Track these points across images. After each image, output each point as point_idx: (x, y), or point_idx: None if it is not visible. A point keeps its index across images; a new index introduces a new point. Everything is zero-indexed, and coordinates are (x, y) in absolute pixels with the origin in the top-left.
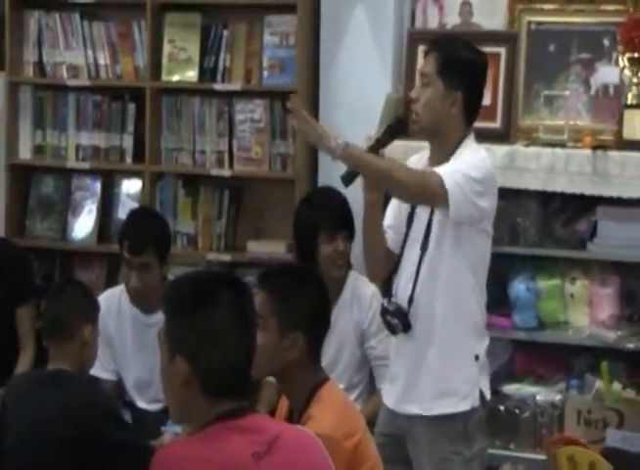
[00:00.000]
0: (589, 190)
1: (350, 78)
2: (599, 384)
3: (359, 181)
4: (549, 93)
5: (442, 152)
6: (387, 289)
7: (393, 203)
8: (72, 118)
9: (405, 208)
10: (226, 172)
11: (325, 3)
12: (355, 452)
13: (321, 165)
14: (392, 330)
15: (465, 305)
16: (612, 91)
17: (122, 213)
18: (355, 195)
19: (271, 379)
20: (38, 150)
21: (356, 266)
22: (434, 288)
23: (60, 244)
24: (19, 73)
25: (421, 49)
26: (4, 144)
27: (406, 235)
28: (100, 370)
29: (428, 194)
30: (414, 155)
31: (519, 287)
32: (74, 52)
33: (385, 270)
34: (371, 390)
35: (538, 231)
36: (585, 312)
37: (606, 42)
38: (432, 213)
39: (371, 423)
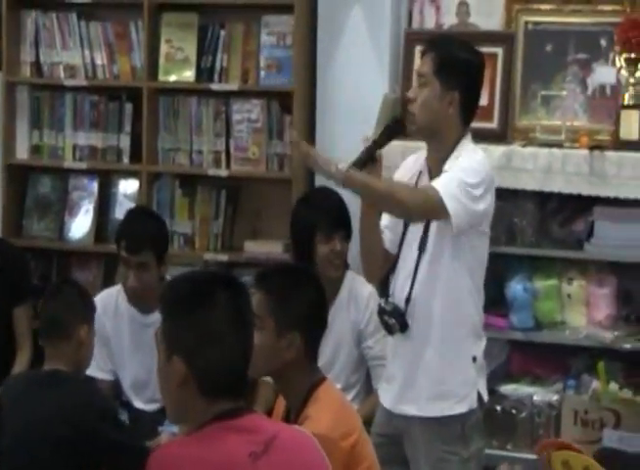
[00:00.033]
0: (586, 190)
1: (347, 79)
2: (596, 384)
3: None
4: (546, 93)
5: (440, 152)
6: (384, 289)
7: None
8: (69, 118)
9: None
10: (223, 172)
11: (322, 3)
12: (352, 452)
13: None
14: (390, 330)
15: (463, 307)
16: (609, 91)
17: (119, 214)
18: (353, 196)
19: (268, 379)
20: (35, 150)
21: (353, 266)
22: (432, 288)
23: (57, 244)
24: (16, 73)
25: (418, 49)
26: (1, 144)
27: (403, 235)
28: (96, 370)
29: (429, 212)
30: (411, 155)
31: (516, 287)
32: (71, 52)
33: (382, 271)
34: (368, 390)
35: (535, 231)
36: (582, 313)
37: (603, 42)
38: None
39: (368, 423)
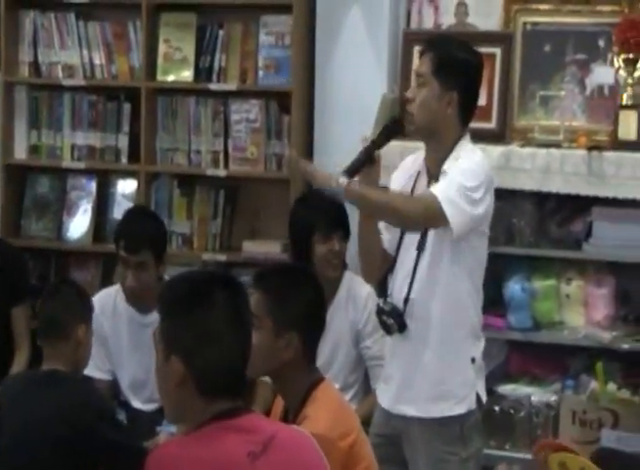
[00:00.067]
0: (584, 190)
1: (346, 78)
2: (594, 384)
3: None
4: (544, 93)
5: (438, 152)
6: (382, 289)
7: None
8: (68, 118)
9: None
10: (221, 172)
11: (320, 3)
12: (350, 452)
13: (316, 166)
14: (388, 330)
15: (461, 307)
16: (607, 92)
17: (118, 213)
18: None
19: (266, 379)
20: (33, 150)
21: (351, 267)
22: (431, 289)
23: (55, 244)
24: (14, 73)
25: (416, 49)
26: None
27: (402, 235)
28: (94, 370)
29: (429, 220)
30: (409, 156)
31: (514, 287)
32: (70, 52)
33: (380, 271)
34: (366, 390)
35: (534, 231)
36: (580, 313)
37: (601, 43)
38: None
39: (366, 423)
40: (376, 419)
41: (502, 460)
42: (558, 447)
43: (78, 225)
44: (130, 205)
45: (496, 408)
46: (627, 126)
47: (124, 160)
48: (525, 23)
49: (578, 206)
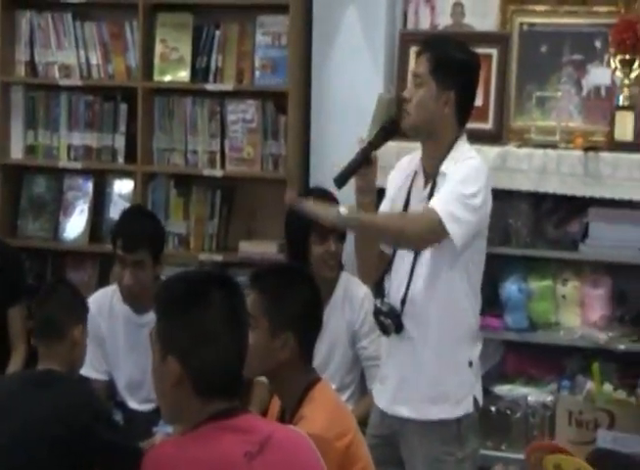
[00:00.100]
0: (581, 191)
1: (342, 79)
2: (590, 385)
3: (352, 183)
4: (541, 94)
5: (435, 152)
6: (379, 289)
7: (385, 204)
8: (64, 118)
9: (397, 208)
10: (218, 173)
11: (317, 3)
12: (347, 453)
13: (313, 166)
14: (385, 331)
15: (459, 309)
16: (603, 92)
17: (114, 214)
18: (348, 196)
19: (263, 379)
20: (30, 150)
21: (348, 267)
22: (428, 290)
23: (52, 244)
24: (10, 73)
25: (413, 50)
26: None
27: None
28: (91, 370)
29: (432, 237)
30: (405, 156)
31: (510, 288)
32: (66, 52)
33: (377, 272)
34: (362, 390)
35: (530, 232)
36: (577, 313)
37: (598, 44)
38: None
39: (362, 424)
40: (372, 420)
41: (498, 461)
42: (553, 449)
43: (75, 225)
44: (127, 205)
45: (492, 409)
46: (624, 127)
47: (121, 160)
48: (521, 24)
49: (575, 206)
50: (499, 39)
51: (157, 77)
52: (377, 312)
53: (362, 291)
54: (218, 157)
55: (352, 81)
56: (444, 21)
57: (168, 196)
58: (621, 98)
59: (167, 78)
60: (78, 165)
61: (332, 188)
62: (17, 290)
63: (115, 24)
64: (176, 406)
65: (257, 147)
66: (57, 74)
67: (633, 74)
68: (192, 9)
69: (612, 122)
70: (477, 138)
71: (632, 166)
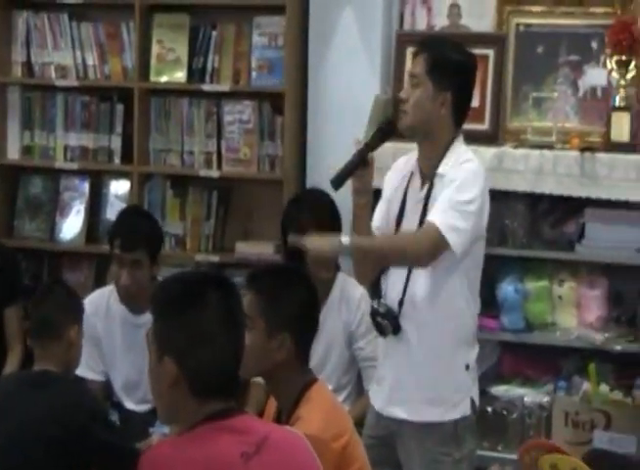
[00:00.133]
0: (577, 192)
1: (339, 80)
2: (587, 385)
3: (348, 184)
4: (537, 95)
5: (431, 153)
6: (375, 290)
7: (381, 205)
8: (61, 119)
9: (394, 209)
10: (215, 173)
11: (314, 4)
12: (344, 454)
13: (309, 167)
14: (382, 332)
15: (457, 311)
16: (599, 93)
17: (111, 214)
18: (344, 197)
19: (259, 380)
20: (26, 150)
21: (344, 268)
22: (427, 292)
23: (48, 244)
24: (7, 74)
25: (409, 51)
26: None
27: None
28: (87, 371)
29: (435, 252)
30: (402, 157)
31: (507, 288)
32: (63, 52)
33: (373, 273)
34: (359, 391)
35: (526, 233)
36: (573, 314)
37: (594, 44)
38: (422, 215)
39: (359, 424)
40: (369, 420)
41: (495, 461)
42: (549, 448)
43: (71, 226)
44: (123, 205)
45: (489, 409)
46: (620, 128)
47: (117, 160)
48: (517, 25)
49: (571, 207)
50: (495, 40)
51: (153, 78)
52: (374, 313)
53: (359, 292)
54: (215, 157)
55: (349, 82)
56: (441, 21)
57: (165, 196)
58: (618, 99)
59: (164, 79)
60: (75, 166)
61: (328, 189)
62: (13, 290)
63: (112, 25)
64: (173, 407)
65: (254, 148)
66: (53, 75)
67: (629, 75)
68: (188, 9)
69: (608, 123)
70: (473, 139)
71: (628, 167)
